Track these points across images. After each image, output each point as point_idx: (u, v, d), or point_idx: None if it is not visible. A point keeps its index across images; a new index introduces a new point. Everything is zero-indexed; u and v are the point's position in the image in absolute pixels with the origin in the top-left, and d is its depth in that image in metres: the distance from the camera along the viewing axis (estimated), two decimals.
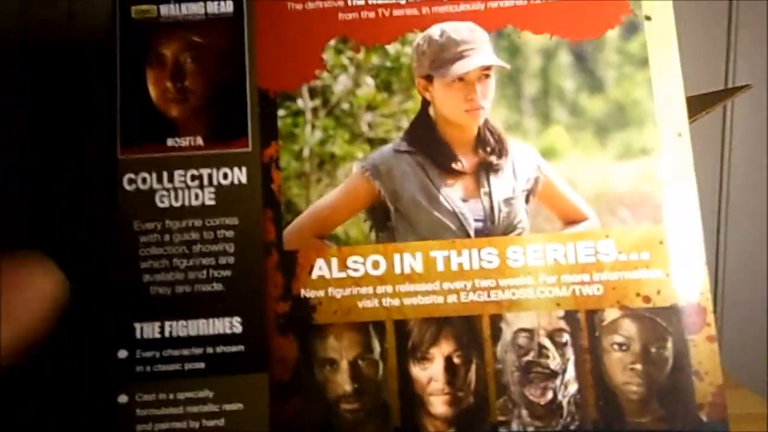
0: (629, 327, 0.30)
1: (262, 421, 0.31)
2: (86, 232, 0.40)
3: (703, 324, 0.29)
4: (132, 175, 0.32)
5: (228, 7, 0.33)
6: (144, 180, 0.32)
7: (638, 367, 0.29)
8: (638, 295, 0.30)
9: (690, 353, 0.29)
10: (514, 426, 0.30)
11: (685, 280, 0.30)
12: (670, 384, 0.29)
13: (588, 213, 0.31)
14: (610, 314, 0.30)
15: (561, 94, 0.32)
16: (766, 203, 0.58)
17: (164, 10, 0.33)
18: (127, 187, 0.32)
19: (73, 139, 0.42)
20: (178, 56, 0.33)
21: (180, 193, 0.32)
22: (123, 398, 0.31)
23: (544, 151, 0.32)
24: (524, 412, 0.30)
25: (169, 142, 0.32)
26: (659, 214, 0.30)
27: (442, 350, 0.31)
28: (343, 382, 0.31)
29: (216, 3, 0.33)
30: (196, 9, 0.33)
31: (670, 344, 0.29)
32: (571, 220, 0.31)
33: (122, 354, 0.31)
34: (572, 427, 0.30)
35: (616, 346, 0.30)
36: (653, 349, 0.29)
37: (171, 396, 0.31)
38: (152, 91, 0.33)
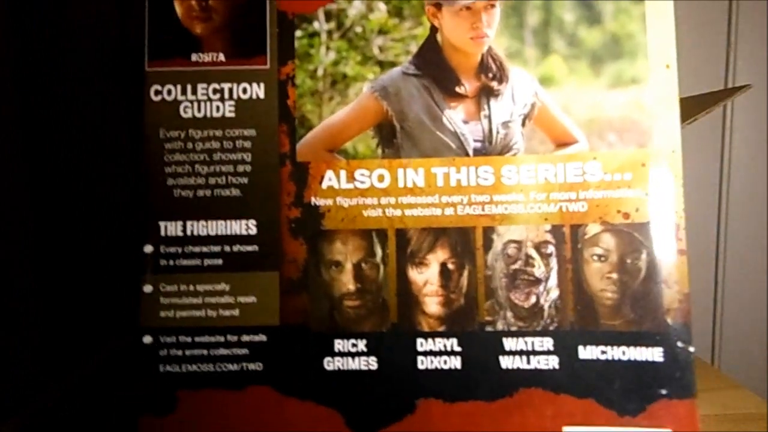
0: (608, 240, 0.33)
1: (273, 313, 0.34)
2: (115, 140, 0.43)
3: (676, 239, 0.32)
4: (158, 87, 0.35)
5: None
6: (169, 92, 0.35)
7: (614, 276, 0.33)
8: (619, 212, 0.33)
9: (661, 264, 0.32)
10: (499, 325, 0.33)
11: (662, 200, 0.33)
12: (642, 291, 0.32)
13: (579, 136, 0.34)
14: (592, 229, 0.33)
15: (561, 25, 0.34)
16: (766, 203, 0.59)
17: None
18: (154, 98, 0.35)
19: (100, 53, 0.44)
20: None
21: (203, 105, 0.35)
22: (148, 288, 0.34)
23: (542, 78, 0.34)
24: (509, 314, 0.33)
25: (193, 57, 0.35)
26: (644, 139, 0.33)
27: (437, 257, 0.34)
28: (347, 281, 0.34)
29: None
30: None
31: (644, 256, 0.32)
32: (563, 142, 0.34)
33: (148, 249, 0.34)
34: (551, 328, 0.33)
35: (595, 257, 0.33)
36: (629, 260, 0.33)
37: (191, 287, 0.34)
38: (178, 9, 0.35)
